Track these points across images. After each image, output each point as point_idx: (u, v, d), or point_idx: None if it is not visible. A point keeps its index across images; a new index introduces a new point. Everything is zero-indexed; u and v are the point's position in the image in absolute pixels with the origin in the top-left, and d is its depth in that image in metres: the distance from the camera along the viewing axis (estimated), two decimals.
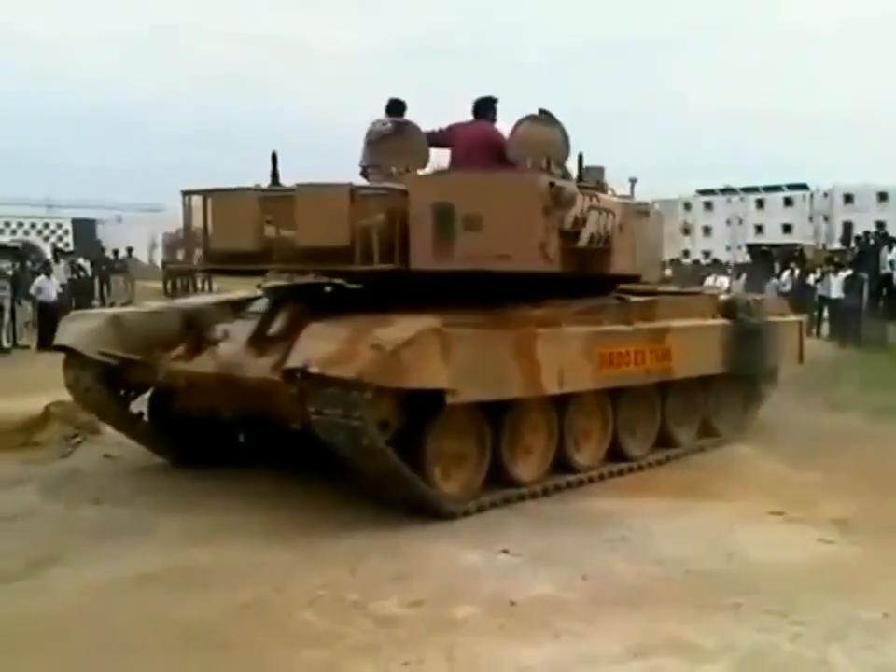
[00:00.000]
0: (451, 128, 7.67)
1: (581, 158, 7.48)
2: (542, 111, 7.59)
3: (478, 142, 7.52)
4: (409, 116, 7.79)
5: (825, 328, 18.68)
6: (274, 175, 7.27)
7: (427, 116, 7.90)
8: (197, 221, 7.14)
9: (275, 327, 6.73)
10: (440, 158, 7.79)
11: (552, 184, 6.65)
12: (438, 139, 7.66)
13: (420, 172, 7.35)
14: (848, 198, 51.33)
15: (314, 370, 5.60)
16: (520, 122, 7.42)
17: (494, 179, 6.76)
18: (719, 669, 4.08)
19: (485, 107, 7.70)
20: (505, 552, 5.56)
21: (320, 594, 4.90)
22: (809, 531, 6.08)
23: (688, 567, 5.38)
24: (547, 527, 6.09)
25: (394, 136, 7.53)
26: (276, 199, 6.80)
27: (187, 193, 7.09)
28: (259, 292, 7.88)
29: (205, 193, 6.96)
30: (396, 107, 7.83)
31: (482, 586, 5.01)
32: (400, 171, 7.15)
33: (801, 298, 17.58)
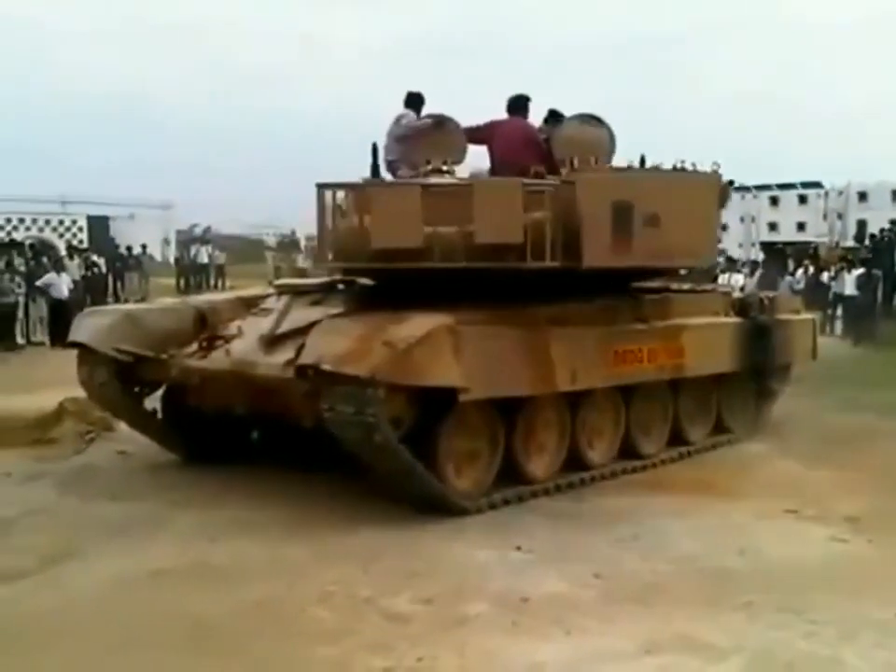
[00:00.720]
0: (490, 124, 7.70)
1: (643, 158, 7.51)
2: (552, 111, 7.64)
3: (519, 139, 7.58)
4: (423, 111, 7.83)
5: (839, 325, 18.59)
6: (375, 167, 7.36)
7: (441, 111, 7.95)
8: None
9: (288, 324, 6.75)
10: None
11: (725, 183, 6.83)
12: (477, 135, 7.68)
13: (458, 168, 7.33)
14: (863, 196, 50.95)
15: (326, 367, 5.62)
16: (568, 121, 7.59)
17: (673, 178, 7.06)
18: (731, 667, 4.09)
19: (520, 104, 7.76)
20: (517, 549, 5.57)
21: (332, 590, 4.92)
22: (822, 529, 6.07)
23: (700, 564, 5.38)
24: (559, 525, 6.09)
25: (433, 131, 7.56)
26: (437, 193, 6.58)
27: (323, 187, 6.71)
28: (272, 290, 7.92)
29: (352, 187, 6.75)
30: (415, 100, 7.87)
31: (494, 583, 5.02)
32: (437, 167, 7.11)
33: (815, 295, 17.48)
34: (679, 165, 7.27)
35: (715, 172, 7.43)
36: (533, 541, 5.69)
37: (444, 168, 7.08)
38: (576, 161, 7.14)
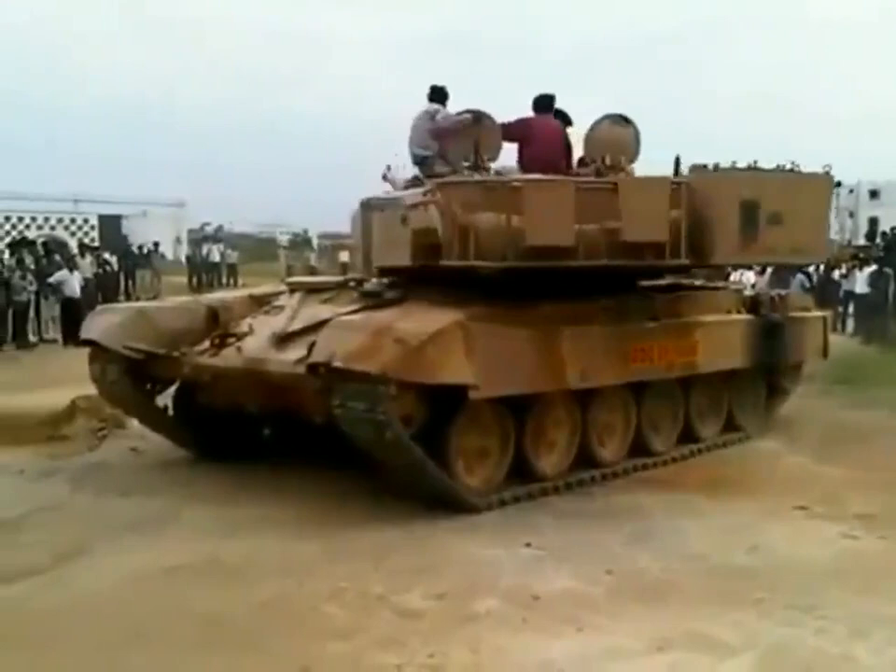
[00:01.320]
0: (525, 123, 7.72)
1: (678, 160, 7.66)
2: (557, 110, 7.67)
3: (556, 138, 7.72)
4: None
5: (850, 323, 18.52)
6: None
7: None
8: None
9: (300, 321, 6.76)
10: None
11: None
12: (510, 133, 7.68)
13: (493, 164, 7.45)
14: (874, 193, 50.63)
15: (337, 364, 5.63)
16: (599, 122, 7.78)
17: (792, 179, 7.43)
18: (742, 664, 4.08)
19: (548, 104, 7.83)
20: (528, 545, 5.58)
21: (344, 586, 4.92)
22: (833, 526, 6.05)
23: (711, 562, 5.37)
24: (570, 522, 6.10)
25: (472, 127, 7.56)
26: (584, 191, 6.69)
27: (439, 182, 6.76)
28: (283, 287, 7.94)
29: (497, 185, 6.64)
30: (441, 95, 7.89)
31: (504, 580, 5.02)
32: (477, 163, 7.17)
33: (826, 293, 17.40)
34: (789, 166, 7.61)
35: (827, 173, 7.81)
36: (543, 538, 5.70)
37: (482, 165, 7.15)
38: (607, 160, 7.40)
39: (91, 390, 7.90)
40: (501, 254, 6.46)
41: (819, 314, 9.95)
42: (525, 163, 7.60)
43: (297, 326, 6.70)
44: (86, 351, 7.42)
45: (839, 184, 8.64)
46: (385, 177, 8.08)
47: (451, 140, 7.62)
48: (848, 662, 4.13)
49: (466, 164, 7.14)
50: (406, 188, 7.59)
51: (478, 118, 7.60)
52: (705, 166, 7.41)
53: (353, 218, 8.02)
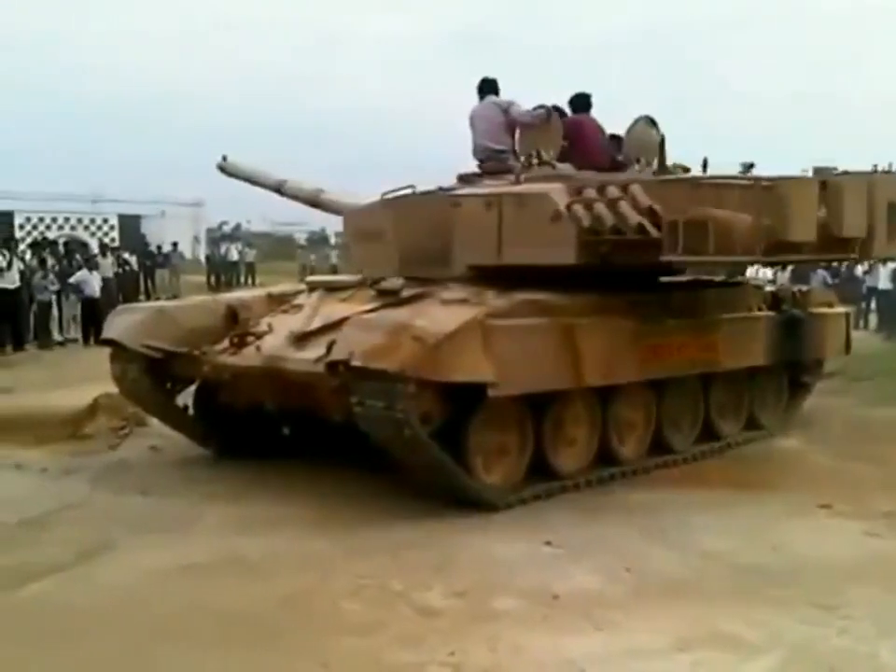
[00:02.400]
0: (572, 122, 7.86)
1: (706, 162, 7.91)
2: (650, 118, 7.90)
3: (599, 139, 7.95)
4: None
5: (873, 319, 18.38)
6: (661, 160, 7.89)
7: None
8: None
9: (319, 320, 6.77)
10: None
11: None
12: (567, 131, 7.77)
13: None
14: None
15: (356, 362, 5.63)
16: (635, 123, 7.91)
17: None
18: (765, 663, 4.04)
19: (586, 102, 7.97)
20: (548, 543, 5.56)
21: (364, 583, 4.93)
22: (856, 524, 6.00)
23: (733, 559, 5.34)
24: (590, 519, 6.07)
25: (545, 122, 7.70)
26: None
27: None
28: (302, 286, 7.96)
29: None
30: (493, 87, 7.93)
31: (524, 578, 5.01)
32: (547, 159, 7.40)
33: (848, 289, 17.28)
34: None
35: None
36: (563, 536, 5.67)
37: (549, 161, 7.37)
38: (643, 161, 7.69)
39: (113, 389, 7.96)
40: (744, 249, 6.99)
41: (841, 310, 9.88)
42: (577, 161, 7.58)
43: (316, 325, 6.71)
44: (107, 350, 7.47)
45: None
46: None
47: (526, 134, 7.75)
48: (874, 661, 4.08)
49: (535, 161, 7.30)
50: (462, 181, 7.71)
51: (549, 113, 7.69)
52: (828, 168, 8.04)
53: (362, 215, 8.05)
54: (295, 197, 9.40)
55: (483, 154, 7.84)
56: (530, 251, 6.73)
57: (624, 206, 6.49)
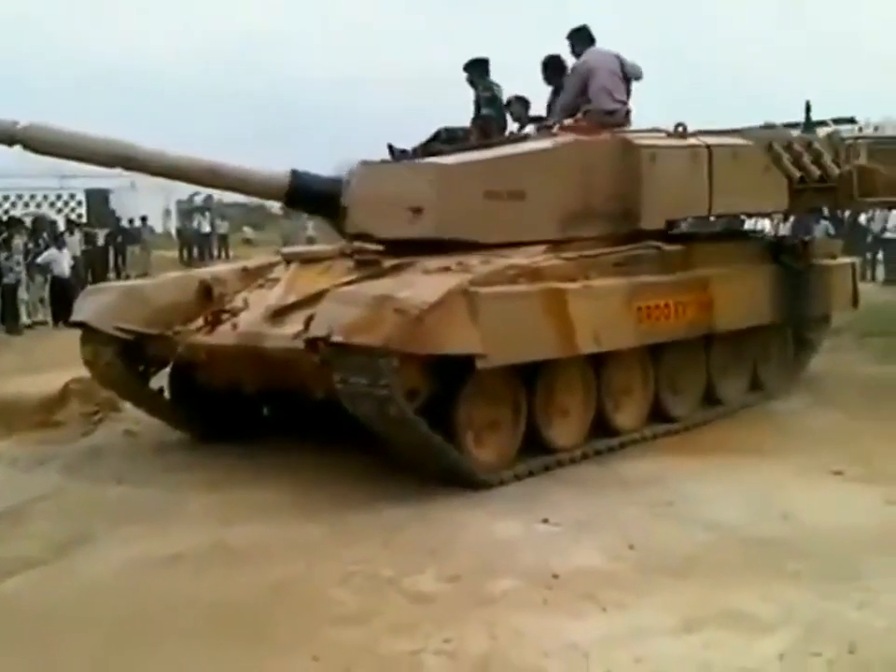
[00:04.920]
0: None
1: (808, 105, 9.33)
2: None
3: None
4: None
5: (881, 270, 18.30)
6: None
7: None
8: None
9: (296, 294, 6.69)
10: None
11: None
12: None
13: None
14: None
15: (337, 338, 5.55)
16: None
17: None
18: (780, 641, 3.98)
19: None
20: (545, 521, 5.51)
21: (353, 570, 4.87)
22: (870, 489, 5.95)
23: (741, 532, 5.29)
24: (588, 494, 6.02)
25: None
26: None
27: None
28: (278, 258, 7.86)
29: None
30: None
31: (521, 558, 4.96)
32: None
33: (853, 238, 17.20)
34: None
35: None
36: (561, 513, 5.62)
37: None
38: None
39: (84, 373, 7.87)
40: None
41: (847, 260, 9.83)
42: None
43: (293, 299, 6.63)
44: (78, 332, 7.36)
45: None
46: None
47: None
48: (894, 635, 4.03)
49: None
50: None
51: None
52: None
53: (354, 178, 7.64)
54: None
55: (605, 109, 7.76)
56: (744, 200, 7.96)
57: (826, 159, 8.33)
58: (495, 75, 8.42)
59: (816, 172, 8.27)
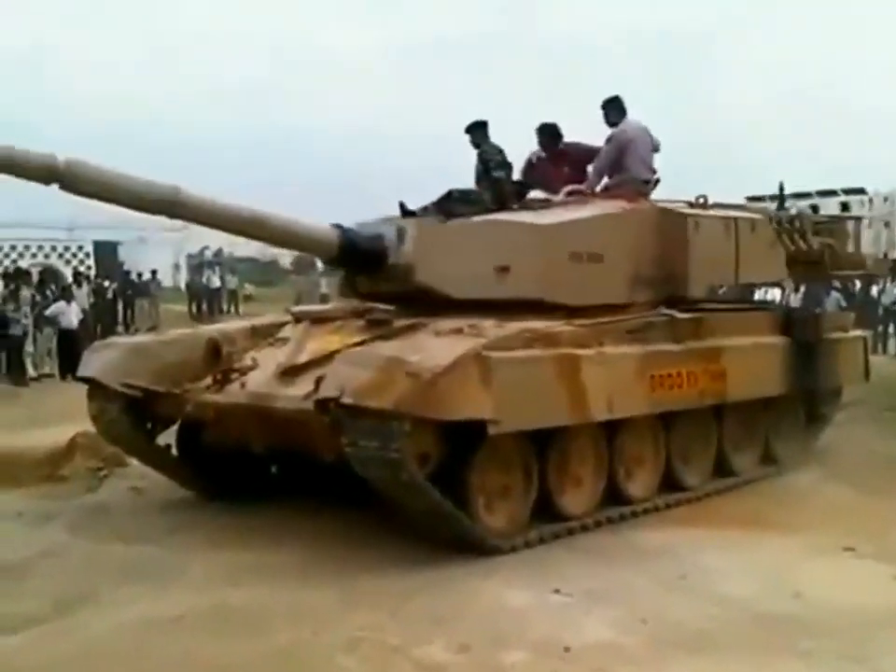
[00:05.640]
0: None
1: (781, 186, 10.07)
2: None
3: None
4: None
5: (893, 344, 18.31)
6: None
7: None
8: None
9: (306, 354, 6.71)
10: None
11: None
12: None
13: None
14: None
15: (347, 400, 5.55)
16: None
17: None
18: None
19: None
20: (556, 591, 5.47)
21: (360, 636, 4.83)
22: (883, 567, 5.93)
23: (753, 608, 5.25)
24: (600, 564, 5.99)
25: None
26: None
27: None
28: (288, 317, 7.90)
29: None
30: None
31: (532, 629, 4.92)
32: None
33: (864, 311, 17.25)
34: None
35: None
36: (572, 583, 5.58)
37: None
38: None
39: (91, 427, 7.85)
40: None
41: (858, 333, 9.86)
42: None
43: (303, 358, 6.65)
44: (84, 386, 7.38)
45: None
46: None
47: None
48: None
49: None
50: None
51: None
52: None
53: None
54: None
55: (642, 180, 8.12)
56: (758, 270, 8.48)
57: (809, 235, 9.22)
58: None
59: (803, 246, 9.12)
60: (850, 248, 10.16)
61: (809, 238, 9.23)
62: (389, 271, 7.22)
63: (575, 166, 8.63)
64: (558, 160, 8.65)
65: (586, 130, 8.79)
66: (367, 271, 7.38)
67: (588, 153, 8.59)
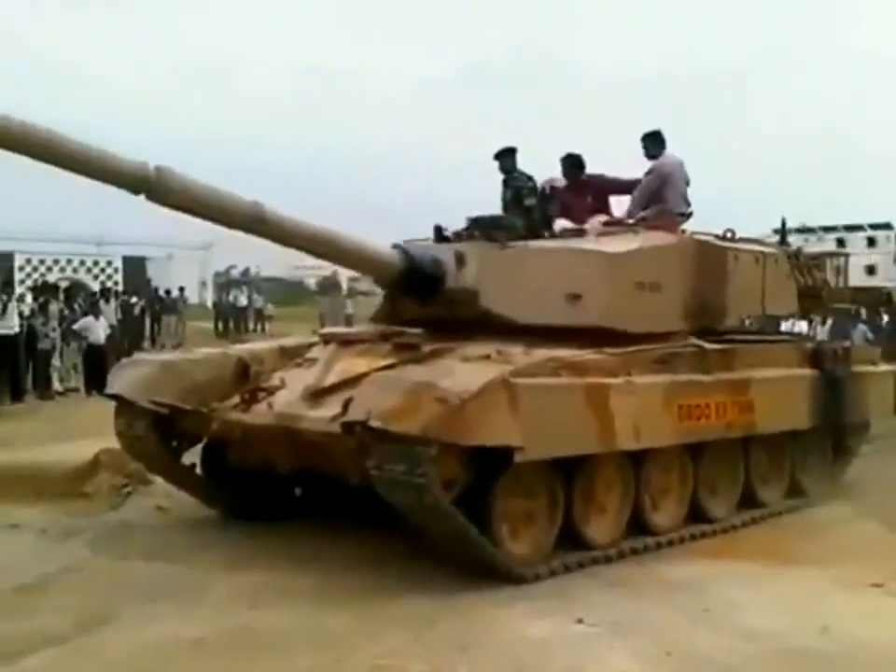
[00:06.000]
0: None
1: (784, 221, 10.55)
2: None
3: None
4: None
5: None
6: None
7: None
8: None
9: (334, 376, 6.71)
10: None
11: None
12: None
13: None
14: None
15: (375, 423, 5.54)
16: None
17: None
18: None
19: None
20: (580, 621, 5.41)
21: (383, 664, 4.79)
22: None
23: (780, 643, 5.18)
24: (624, 595, 5.93)
25: None
26: None
27: None
28: (316, 338, 7.91)
29: None
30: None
31: (555, 660, 4.87)
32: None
33: (892, 344, 17.10)
34: None
35: None
36: (597, 613, 5.53)
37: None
38: None
39: (115, 443, 7.87)
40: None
41: (887, 368, 9.80)
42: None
43: (331, 380, 6.66)
44: (110, 402, 7.40)
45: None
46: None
47: None
48: None
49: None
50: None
51: None
52: None
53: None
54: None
55: (680, 212, 8.29)
56: (778, 302, 8.79)
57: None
58: None
59: (809, 280, 9.42)
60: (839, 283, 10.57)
61: (814, 272, 9.53)
62: (446, 295, 7.27)
63: (596, 196, 8.74)
64: (579, 189, 8.70)
65: (600, 159, 9.00)
66: (422, 295, 7.39)
67: (610, 185, 8.82)
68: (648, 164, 8.45)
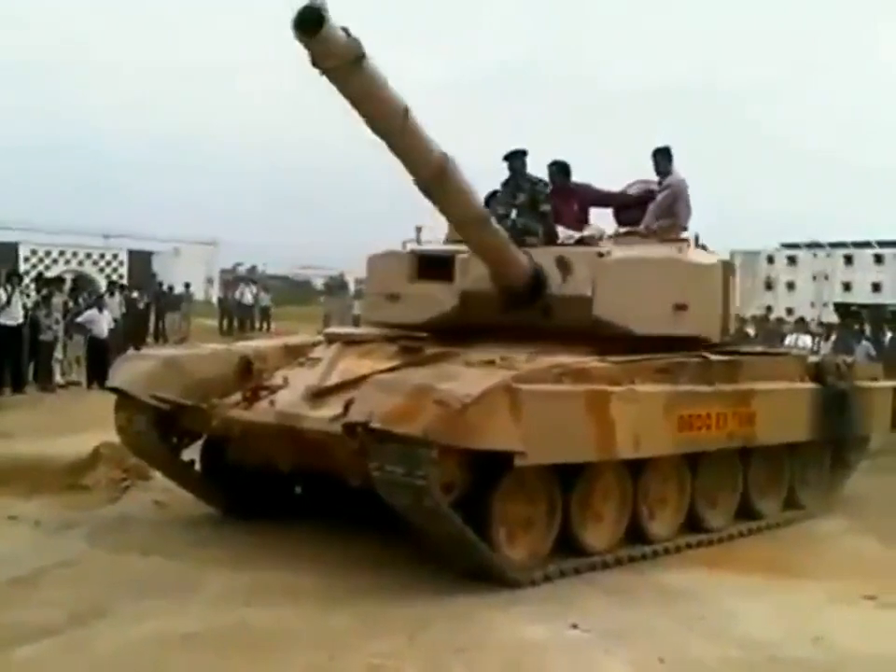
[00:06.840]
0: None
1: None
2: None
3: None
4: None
5: None
6: None
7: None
8: None
9: (337, 376, 6.73)
10: None
11: None
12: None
13: None
14: None
15: (376, 424, 5.57)
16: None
17: None
18: None
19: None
20: (574, 626, 5.43)
21: (377, 664, 4.81)
22: None
23: (772, 652, 5.21)
24: (620, 601, 5.96)
25: None
26: None
27: None
28: (320, 338, 7.93)
29: None
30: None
31: (550, 664, 4.90)
32: None
33: (893, 360, 17.13)
34: None
35: None
36: (591, 619, 5.55)
37: None
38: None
39: (115, 437, 7.85)
40: None
41: (888, 384, 9.82)
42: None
43: (334, 380, 6.68)
44: (111, 395, 7.39)
45: None
46: None
47: None
48: None
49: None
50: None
51: None
52: None
53: None
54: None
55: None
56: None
57: None
58: None
59: None
60: None
61: None
62: (545, 301, 7.37)
63: (581, 205, 8.79)
64: (566, 196, 8.71)
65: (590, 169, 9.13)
66: (517, 301, 7.40)
67: (597, 195, 8.93)
68: (643, 175, 8.80)
